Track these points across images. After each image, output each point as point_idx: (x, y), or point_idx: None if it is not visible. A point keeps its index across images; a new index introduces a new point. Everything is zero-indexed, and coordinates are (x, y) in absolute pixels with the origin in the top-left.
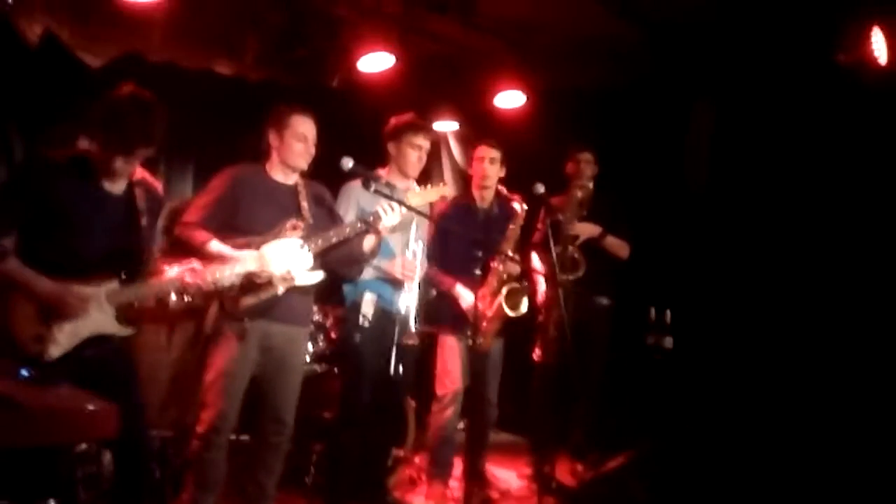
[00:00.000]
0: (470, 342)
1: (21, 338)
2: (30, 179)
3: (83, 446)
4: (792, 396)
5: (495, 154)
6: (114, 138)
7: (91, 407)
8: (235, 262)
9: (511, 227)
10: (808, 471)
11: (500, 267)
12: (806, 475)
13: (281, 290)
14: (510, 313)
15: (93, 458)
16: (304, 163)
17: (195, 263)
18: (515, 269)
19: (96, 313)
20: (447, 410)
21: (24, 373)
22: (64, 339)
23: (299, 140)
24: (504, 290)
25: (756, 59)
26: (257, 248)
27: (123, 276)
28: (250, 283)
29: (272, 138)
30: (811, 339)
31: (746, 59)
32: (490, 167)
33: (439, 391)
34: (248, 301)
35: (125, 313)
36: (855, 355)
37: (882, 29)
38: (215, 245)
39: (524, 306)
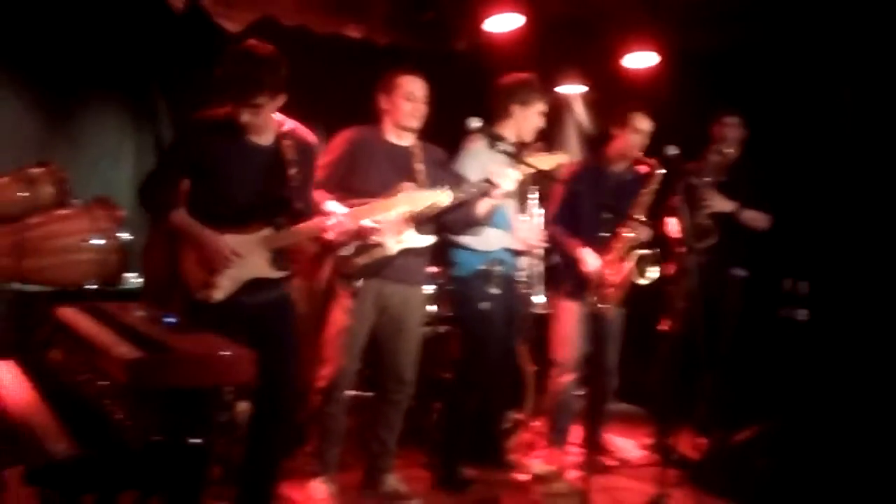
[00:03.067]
0: (592, 307)
1: (191, 284)
2: (187, 139)
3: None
4: None
5: (648, 127)
6: (229, 89)
7: (228, 353)
8: (382, 210)
9: (643, 191)
10: None
11: (630, 232)
12: None
13: (394, 250)
14: (639, 280)
15: (228, 406)
16: (415, 122)
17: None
18: (646, 234)
19: (254, 258)
20: (565, 377)
21: (170, 320)
22: (226, 283)
23: (408, 99)
24: (634, 257)
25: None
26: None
27: (277, 223)
28: (364, 244)
29: (383, 102)
30: None
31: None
32: (639, 138)
33: (558, 357)
34: (362, 260)
35: (279, 258)
36: None
37: None
38: (331, 205)
39: (655, 274)
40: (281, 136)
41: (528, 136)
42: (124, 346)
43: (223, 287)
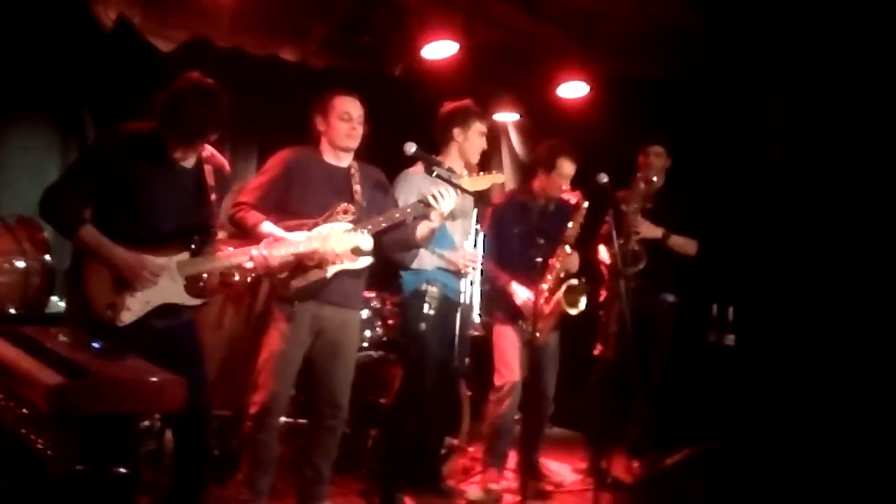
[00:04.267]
0: (527, 337)
1: (95, 304)
2: (105, 152)
3: (146, 423)
4: (856, 396)
5: (572, 171)
6: (172, 128)
7: (158, 379)
8: (294, 244)
9: (571, 222)
10: (873, 472)
11: (559, 263)
12: (870, 477)
13: (330, 272)
14: (569, 311)
15: (155, 435)
16: (351, 143)
17: (262, 245)
18: (574, 265)
19: (167, 283)
20: (505, 401)
21: (96, 345)
22: (136, 306)
23: (343, 119)
24: (563, 287)
25: (827, 48)
26: (309, 230)
27: (193, 248)
28: (300, 265)
29: (319, 123)
30: (878, 339)
31: (815, 49)
32: (563, 181)
33: (497, 381)
34: (298, 283)
35: (194, 285)
36: None
37: None
38: (267, 226)
39: (583, 304)
40: (202, 161)
41: (474, 157)
42: (45, 371)
43: (132, 310)
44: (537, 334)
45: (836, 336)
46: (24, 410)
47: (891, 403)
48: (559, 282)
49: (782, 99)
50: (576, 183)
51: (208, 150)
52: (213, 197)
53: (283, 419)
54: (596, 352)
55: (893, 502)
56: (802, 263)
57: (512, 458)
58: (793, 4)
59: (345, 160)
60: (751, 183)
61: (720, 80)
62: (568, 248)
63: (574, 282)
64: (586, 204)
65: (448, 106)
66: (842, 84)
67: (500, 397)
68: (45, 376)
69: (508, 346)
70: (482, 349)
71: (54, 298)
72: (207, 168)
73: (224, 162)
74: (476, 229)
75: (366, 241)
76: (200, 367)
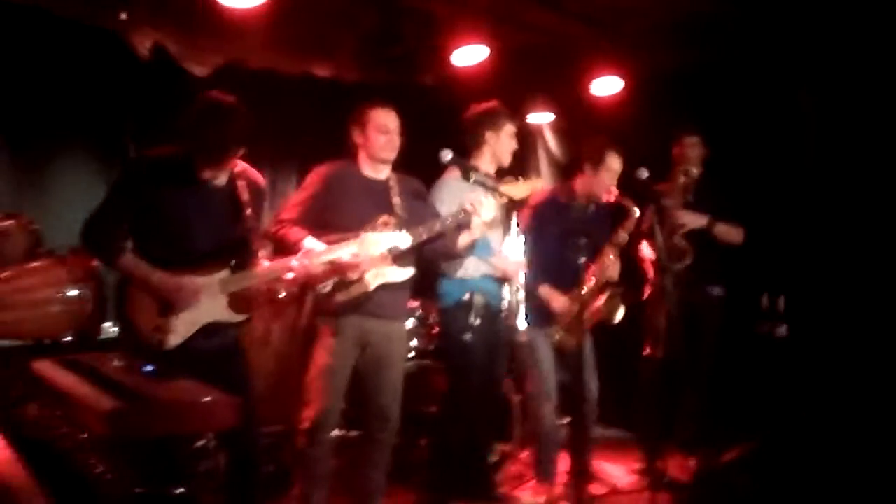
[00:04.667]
0: (554, 342)
1: (142, 329)
2: (133, 179)
3: (202, 442)
4: None
5: (620, 166)
6: (199, 149)
7: (210, 399)
8: (333, 250)
9: (620, 230)
10: None
11: (601, 270)
12: None
13: (373, 285)
14: (608, 320)
15: (211, 454)
16: (389, 154)
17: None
18: (615, 272)
19: (210, 302)
20: (543, 407)
21: (148, 368)
22: (182, 327)
23: (381, 132)
24: (605, 295)
25: (857, 37)
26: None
27: (234, 265)
28: (342, 278)
29: (356, 136)
30: None
31: (848, 35)
32: (611, 177)
33: (530, 388)
34: (341, 297)
35: (237, 302)
36: None
37: None
38: (310, 241)
39: (621, 313)
40: (234, 177)
41: (506, 159)
42: (102, 396)
43: (178, 332)
44: (569, 340)
45: (890, 323)
46: (84, 436)
47: None
48: (599, 289)
49: (815, 82)
50: (619, 185)
51: (241, 165)
52: (248, 212)
53: (334, 433)
54: (645, 352)
55: None
56: (851, 250)
57: (566, 463)
58: None
59: (383, 172)
60: (792, 168)
61: (751, 66)
62: (611, 256)
63: (615, 290)
64: (638, 212)
65: (476, 108)
66: (873, 66)
67: (536, 404)
68: (102, 401)
69: (541, 352)
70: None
71: (107, 325)
72: (241, 184)
73: (258, 176)
74: (516, 233)
75: (403, 240)
76: (248, 386)
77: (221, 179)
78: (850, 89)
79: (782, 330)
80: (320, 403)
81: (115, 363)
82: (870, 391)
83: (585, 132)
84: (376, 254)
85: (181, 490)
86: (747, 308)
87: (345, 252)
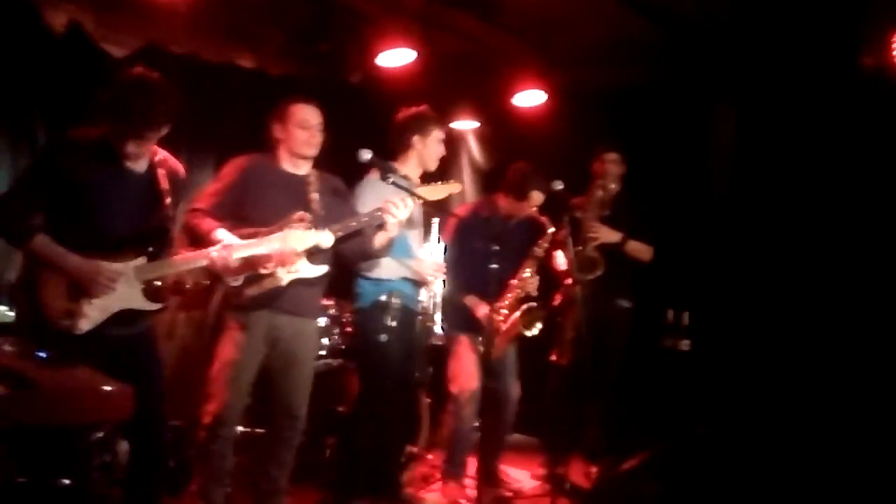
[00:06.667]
0: (481, 349)
1: (51, 313)
2: (53, 159)
3: (100, 434)
4: (808, 400)
5: (540, 200)
6: (120, 122)
7: (105, 388)
8: (255, 245)
9: (536, 247)
10: (824, 474)
11: (519, 284)
12: (821, 479)
13: (285, 280)
14: (525, 332)
15: (108, 446)
16: (310, 150)
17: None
18: (534, 287)
19: (125, 288)
20: (464, 410)
21: (42, 354)
22: (94, 313)
23: (302, 127)
24: (521, 309)
25: (777, 60)
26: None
27: (151, 252)
28: (255, 272)
29: (277, 131)
30: (829, 343)
31: (768, 60)
32: (530, 206)
33: (455, 390)
34: (252, 291)
35: (152, 290)
36: (876, 358)
37: None
38: (221, 233)
39: (538, 327)
40: (155, 165)
41: (432, 164)
42: None
43: (90, 317)
44: (491, 350)
45: (789, 340)
46: None
47: (844, 404)
48: (518, 303)
49: (733, 105)
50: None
51: (162, 153)
52: (168, 201)
53: (239, 429)
54: (552, 358)
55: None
56: (755, 269)
57: (472, 466)
58: (743, 14)
59: (303, 168)
60: (703, 189)
61: (673, 88)
62: (530, 270)
63: (533, 304)
64: (552, 229)
65: (405, 112)
66: (791, 89)
67: (458, 406)
68: None
69: (465, 355)
70: (442, 358)
71: (2, 308)
72: (161, 172)
73: (178, 165)
74: (437, 239)
75: (326, 239)
76: (158, 377)
77: (142, 165)
78: (765, 112)
79: (685, 344)
80: (223, 398)
81: (6, 348)
82: (766, 403)
83: (507, 141)
84: (299, 249)
85: (67, 482)
86: (653, 322)
87: (267, 247)
